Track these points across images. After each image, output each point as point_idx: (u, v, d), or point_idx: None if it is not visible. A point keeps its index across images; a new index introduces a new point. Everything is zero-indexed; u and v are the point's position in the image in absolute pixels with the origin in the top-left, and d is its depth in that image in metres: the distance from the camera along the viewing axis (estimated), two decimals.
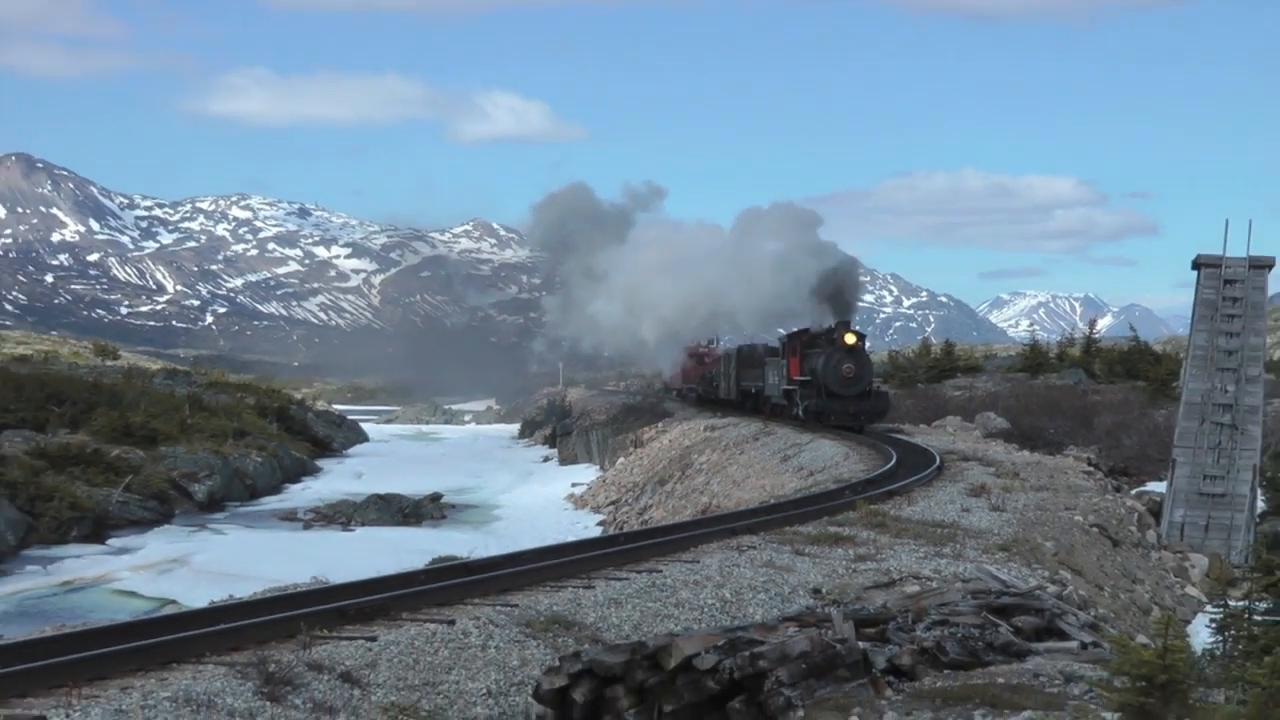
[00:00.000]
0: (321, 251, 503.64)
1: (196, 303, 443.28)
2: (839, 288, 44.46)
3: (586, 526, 43.35)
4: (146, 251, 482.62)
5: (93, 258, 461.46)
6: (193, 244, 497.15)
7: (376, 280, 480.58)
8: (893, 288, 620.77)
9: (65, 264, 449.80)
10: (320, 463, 67.43)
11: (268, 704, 10.06)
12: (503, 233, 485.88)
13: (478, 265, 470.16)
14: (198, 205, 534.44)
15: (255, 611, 12.83)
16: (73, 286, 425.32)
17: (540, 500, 53.94)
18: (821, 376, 41.46)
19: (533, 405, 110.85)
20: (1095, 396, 48.39)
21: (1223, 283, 29.52)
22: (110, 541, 38.20)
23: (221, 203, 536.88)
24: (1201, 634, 16.28)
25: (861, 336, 43.20)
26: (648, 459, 53.44)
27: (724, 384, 58.61)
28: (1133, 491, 33.47)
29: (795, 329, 46.35)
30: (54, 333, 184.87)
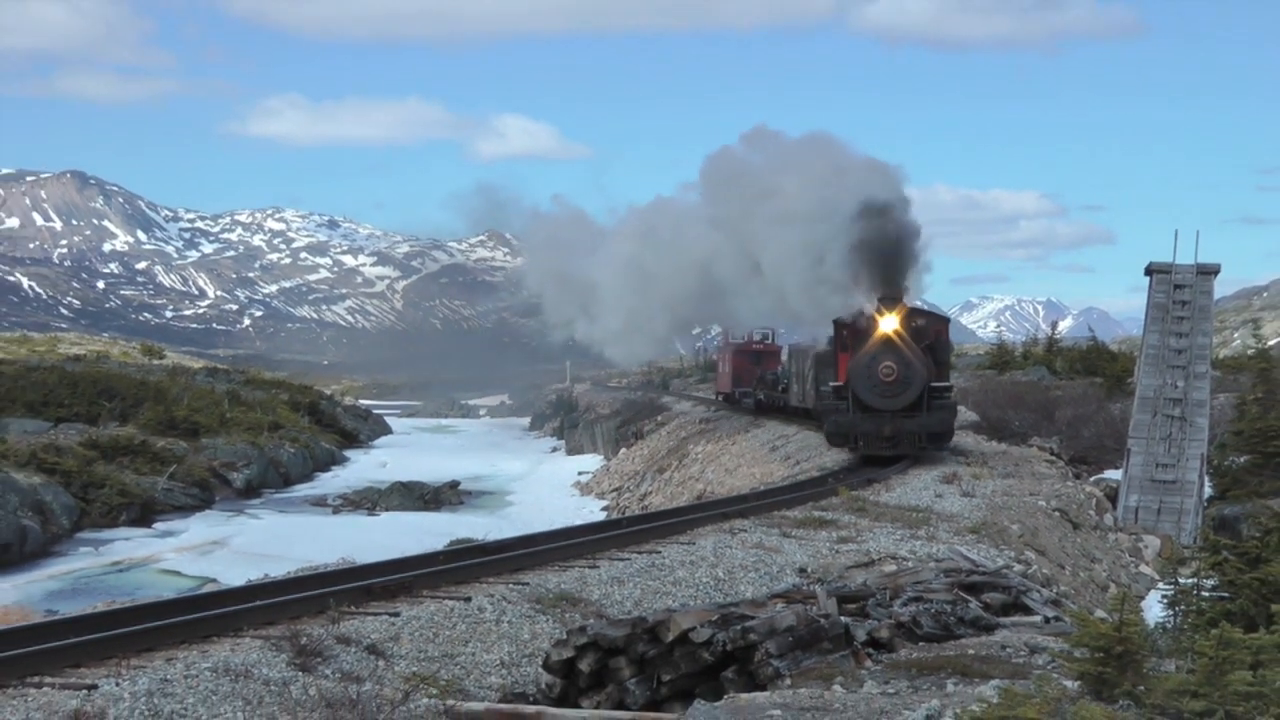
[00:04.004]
0: (349, 260, 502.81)
1: (235, 307, 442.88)
2: (884, 249, 28.62)
3: (592, 511, 43.28)
4: (189, 260, 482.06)
5: (140, 266, 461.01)
6: (231, 253, 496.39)
7: (399, 286, 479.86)
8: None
9: (115, 272, 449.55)
10: (348, 453, 67.29)
11: (300, 674, 10.05)
12: (515, 242, 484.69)
13: (492, 272, 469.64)
14: (236, 218, 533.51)
15: (288, 589, 12.83)
16: (122, 292, 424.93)
17: (549, 487, 53.86)
18: (852, 381, 27.79)
19: (542, 400, 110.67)
20: (1057, 391, 48.17)
21: (1173, 288, 29.46)
22: (156, 525, 38.13)
23: (258, 215, 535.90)
24: (1154, 609, 16.27)
25: (936, 318, 30.30)
26: (648, 449, 53.40)
27: (798, 387, 40.41)
28: (1091, 478, 33.38)
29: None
30: (105, 334, 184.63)
